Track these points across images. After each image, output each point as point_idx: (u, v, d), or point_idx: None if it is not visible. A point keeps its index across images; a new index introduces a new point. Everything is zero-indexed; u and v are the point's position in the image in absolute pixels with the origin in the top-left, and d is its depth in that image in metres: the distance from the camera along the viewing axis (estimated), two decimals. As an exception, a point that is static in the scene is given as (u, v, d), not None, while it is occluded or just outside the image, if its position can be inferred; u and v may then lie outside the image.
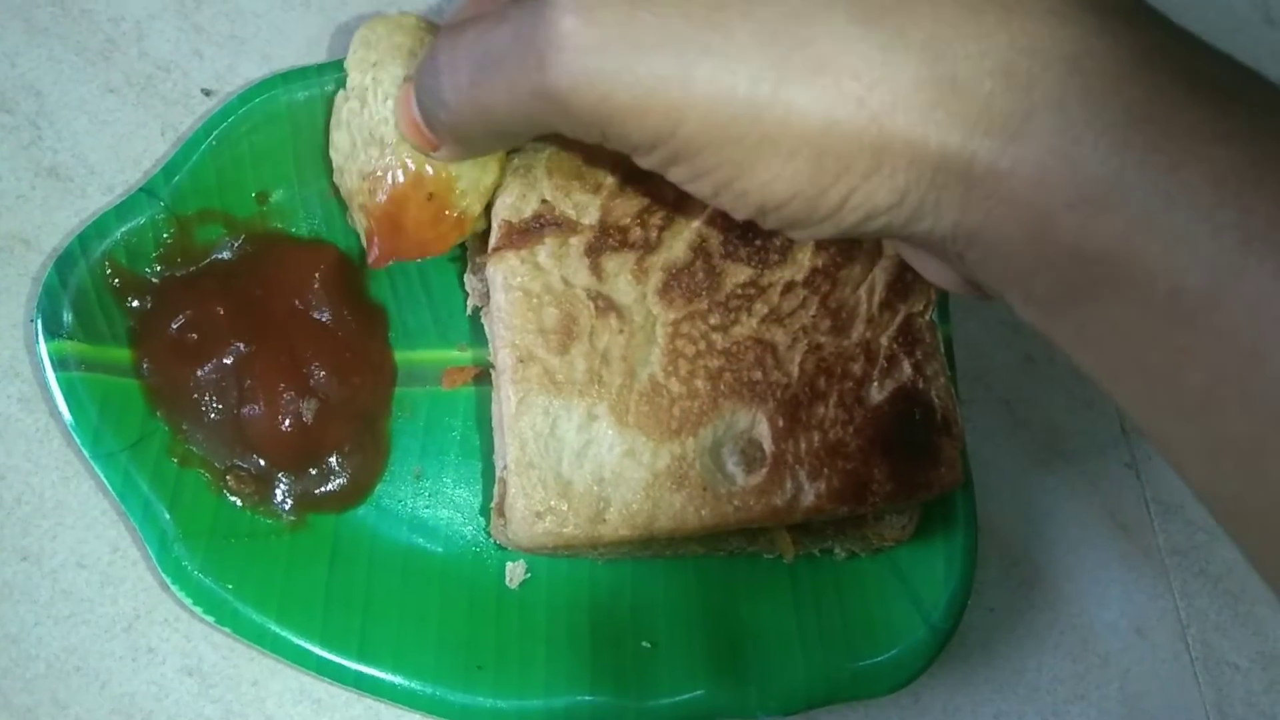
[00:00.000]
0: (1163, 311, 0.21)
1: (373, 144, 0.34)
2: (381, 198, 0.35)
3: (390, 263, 0.36)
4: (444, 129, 0.31)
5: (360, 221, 0.37)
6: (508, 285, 0.35)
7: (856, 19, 0.23)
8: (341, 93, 0.36)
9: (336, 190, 0.38)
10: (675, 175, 0.27)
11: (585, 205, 0.36)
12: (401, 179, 0.34)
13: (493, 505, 0.38)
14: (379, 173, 0.34)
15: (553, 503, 0.34)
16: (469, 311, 0.40)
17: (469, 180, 0.35)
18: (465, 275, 0.40)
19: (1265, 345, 0.20)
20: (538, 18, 0.25)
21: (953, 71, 0.22)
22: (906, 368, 0.37)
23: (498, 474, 0.38)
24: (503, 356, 0.35)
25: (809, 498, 0.36)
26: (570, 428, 0.34)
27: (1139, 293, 0.21)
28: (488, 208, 0.36)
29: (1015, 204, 0.23)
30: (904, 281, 0.37)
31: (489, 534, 0.39)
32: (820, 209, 0.25)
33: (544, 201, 0.35)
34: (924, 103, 0.23)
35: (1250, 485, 0.21)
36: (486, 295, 0.39)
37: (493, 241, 0.36)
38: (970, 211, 0.23)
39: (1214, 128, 0.21)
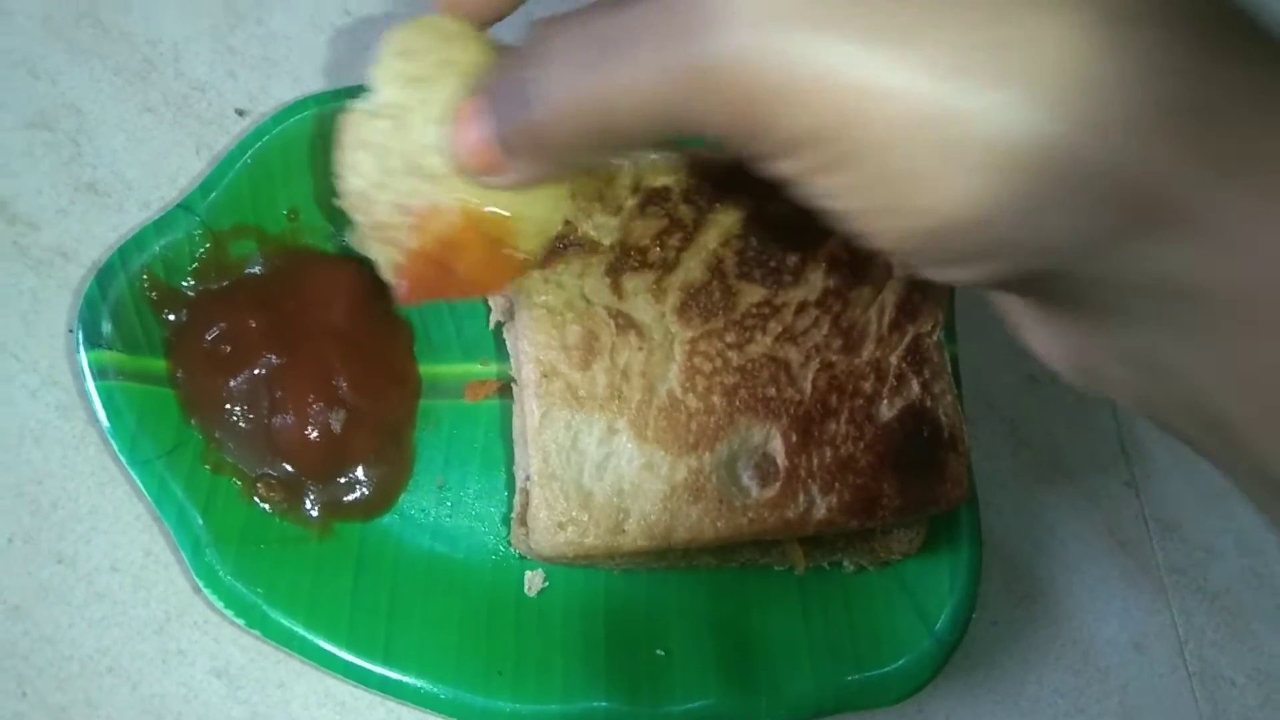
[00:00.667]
0: None
1: (413, 174, 0.28)
2: (428, 238, 0.29)
3: (423, 303, 0.31)
4: (532, 138, 0.25)
5: (384, 253, 0.31)
6: (532, 303, 0.36)
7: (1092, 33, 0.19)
8: (360, 107, 0.29)
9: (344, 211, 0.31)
10: (819, 185, 0.23)
11: (606, 226, 0.37)
12: (457, 220, 0.28)
13: (514, 515, 0.39)
14: (425, 210, 0.28)
15: (574, 513, 0.35)
16: (492, 326, 0.42)
17: (536, 219, 0.29)
18: None
19: None
20: None
21: (1208, 102, 0.19)
22: (915, 386, 0.38)
23: (519, 485, 0.39)
24: (527, 371, 0.36)
25: (821, 511, 0.37)
26: (591, 441, 0.36)
27: None
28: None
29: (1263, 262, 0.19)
30: (913, 302, 0.39)
31: (509, 543, 0.40)
32: (990, 241, 0.21)
33: (566, 222, 0.37)
34: (1166, 133, 0.19)
35: None
36: (509, 311, 0.40)
37: None
38: (1197, 271, 0.20)
39: None
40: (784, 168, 0.23)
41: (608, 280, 0.37)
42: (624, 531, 0.35)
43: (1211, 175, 0.19)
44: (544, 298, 0.36)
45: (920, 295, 0.39)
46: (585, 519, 0.35)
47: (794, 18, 0.20)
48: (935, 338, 0.39)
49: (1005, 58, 0.19)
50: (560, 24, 0.24)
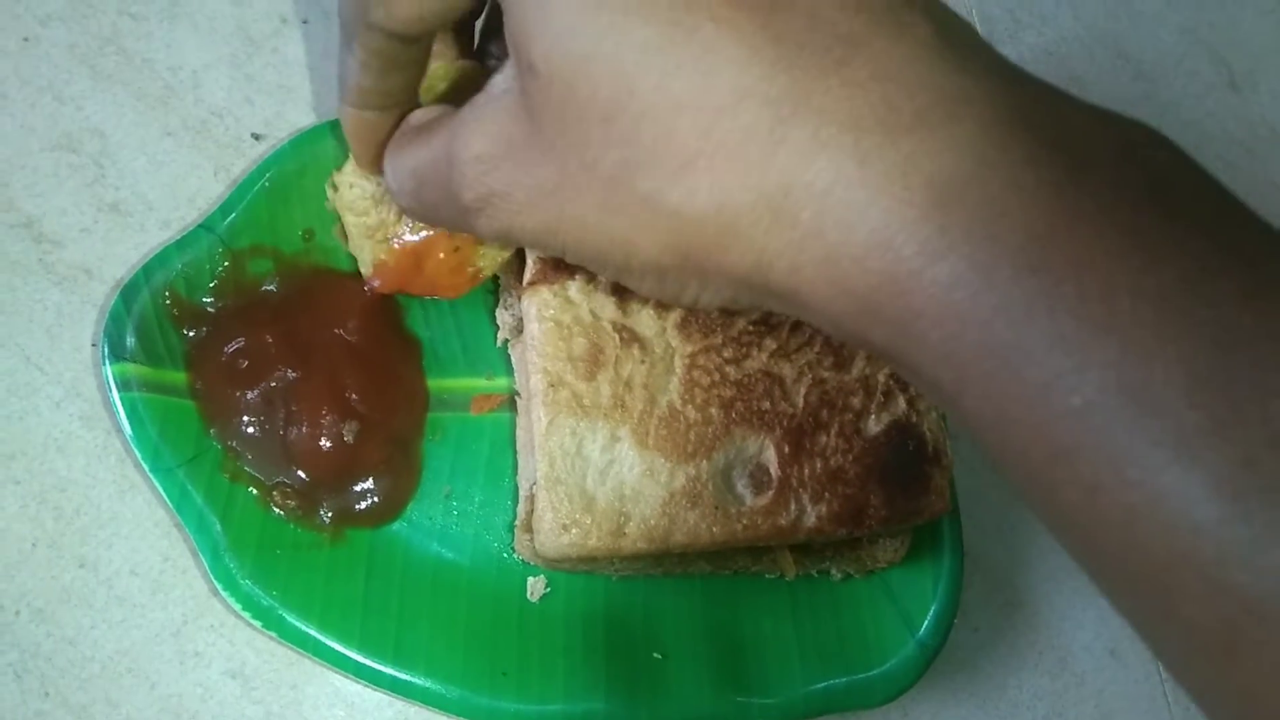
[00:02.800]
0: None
1: None
2: (412, 237, 0.38)
3: (392, 293, 0.40)
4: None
5: (369, 250, 0.40)
6: (541, 316, 0.38)
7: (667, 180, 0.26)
8: None
9: (336, 210, 0.41)
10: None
11: None
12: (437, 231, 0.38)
13: (518, 523, 0.41)
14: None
15: (578, 516, 0.37)
16: (499, 343, 0.44)
17: (491, 247, 0.39)
18: (496, 310, 0.43)
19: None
20: (449, 157, 0.29)
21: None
22: (901, 402, 0.40)
23: (523, 493, 0.41)
24: (535, 381, 0.38)
25: (811, 519, 0.39)
26: (595, 448, 0.38)
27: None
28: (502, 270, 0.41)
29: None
30: None
31: (514, 550, 0.42)
32: (679, 300, 0.28)
33: None
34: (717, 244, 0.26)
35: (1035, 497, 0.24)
36: (516, 329, 0.42)
37: (528, 276, 0.39)
38: (793, 309, 0.26)
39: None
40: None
41: (613, 296, 0.39)
42: (625, 534, 0.37)
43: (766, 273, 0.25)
44: (552, 312, 0.38)
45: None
46: (588, 522, 0.37)
47: (505, 197, 0.28)
48: None
49: (653, 218, 0.26)
50: (395, 147, 0.33)
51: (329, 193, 0.41)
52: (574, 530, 0.37)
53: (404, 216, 0.39)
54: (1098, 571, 0.24)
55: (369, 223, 0.40)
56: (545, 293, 0.38)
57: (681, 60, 0.24)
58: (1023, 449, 0.23)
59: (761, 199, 0.24)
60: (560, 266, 0.39)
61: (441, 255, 0.39)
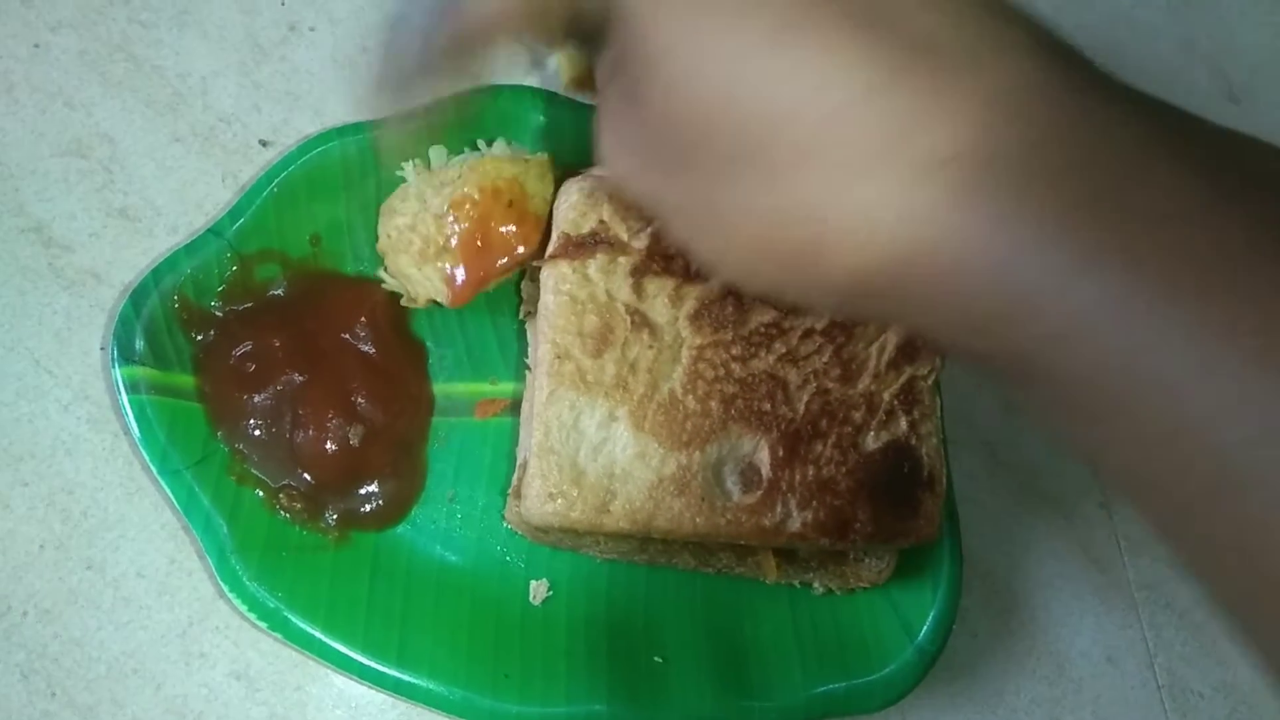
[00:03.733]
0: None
1: (446, 185, 0.40)
2: (464, 224, 0.40)
3: (477, 293, 0.41)
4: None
5: (433, 274, 0.41)
6: (557, 289, 0.39)
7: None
8: (403, 186, 0.42)
9: (400, 285, 0.43)
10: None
11: (638, 232, 0.39)
12: (479, 198, 0.39)
13: (510, 489, 0.41)
14: (454, 205, 0.40)
15: (565, 487, 0.37)
16: (521, 315, 0.45)
17: (533, 185, 0.41)
18: (523, 282, 0.44)
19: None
20: (598, 144, 0.31)
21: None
22: (903, 424, 0.40)
23: (519, 461, 0.41)
24: (543, 350, 0.38)
25: (795, 524, 0.39)
26: (592, 424, 0.38)
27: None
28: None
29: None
30: (913, 346, 0.41)
31: (504, 519, 0.43)
32: (783, 300, 0.30)
33: (601, 222, 0.39)
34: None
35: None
36: (536, 299, 0.43)
37: (550, 249, 0.39)
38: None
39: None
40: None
41: (631, 280, 0.39)
42: (609, 512, 0.37)
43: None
44: (569, 286, 0.39)
45: (922, 340, 0.41)
46: (574, 494, 0.37)
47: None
48: (930, 382, 0.41)
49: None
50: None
51: (384, 276, 0.42)
52: (559, 500, 0.37)
53: (439, 219, 0.40)
54: (1251, 608, 0.22)
55: (417, 247, 0.40)
56: (565, 267, 0.39)
57: (785, 68, 0.24)
58: (1178, 480, 0.21)
59: (864, 209, 0.23)
60: (584, 244, 0.39)
61: (498, 217, 0.40)
